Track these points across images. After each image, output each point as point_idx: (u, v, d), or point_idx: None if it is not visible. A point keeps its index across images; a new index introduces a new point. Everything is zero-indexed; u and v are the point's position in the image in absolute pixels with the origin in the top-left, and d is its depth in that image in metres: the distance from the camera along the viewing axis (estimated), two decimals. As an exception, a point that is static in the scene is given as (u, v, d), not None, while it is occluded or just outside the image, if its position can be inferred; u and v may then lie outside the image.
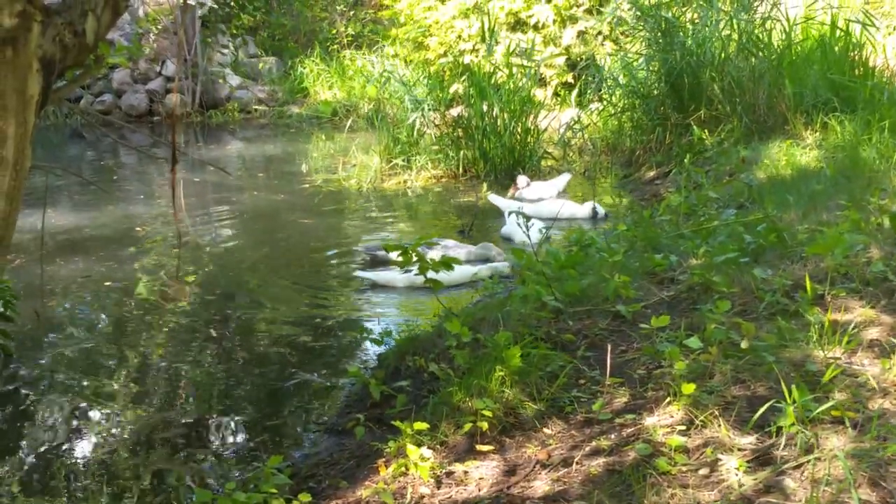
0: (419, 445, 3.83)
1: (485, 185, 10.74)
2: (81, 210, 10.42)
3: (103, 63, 3.24)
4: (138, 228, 9.58)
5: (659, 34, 10.87)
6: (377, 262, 7.86)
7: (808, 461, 3.15)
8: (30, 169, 2.83)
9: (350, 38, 20.35)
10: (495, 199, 9.73)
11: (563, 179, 10.57)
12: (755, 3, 10.65)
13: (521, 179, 10.38)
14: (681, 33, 10.67)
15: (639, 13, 11.46)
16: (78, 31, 2.83)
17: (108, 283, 7.71)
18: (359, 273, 7.63)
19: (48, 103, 2.84)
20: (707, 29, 10.53)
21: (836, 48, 9.73)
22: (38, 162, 3.04)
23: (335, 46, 20.00)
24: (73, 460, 4.90)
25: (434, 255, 5.98)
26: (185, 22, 16.20)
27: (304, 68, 18.88)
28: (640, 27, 11.58)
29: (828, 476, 3.04)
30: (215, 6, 6.56)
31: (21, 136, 2.71)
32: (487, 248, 7.89)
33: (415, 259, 5.03)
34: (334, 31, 20.58)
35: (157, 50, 18.15)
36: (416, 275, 5.19)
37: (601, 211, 9.18)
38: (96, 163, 14.50)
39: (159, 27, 18.11)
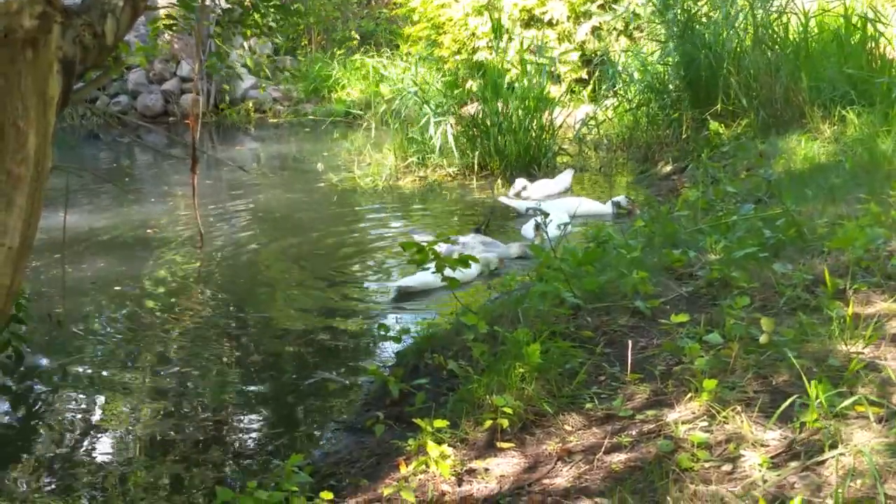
0: (439, 443, 3.82)
1: (499, 182, 10.71)
2: (96, 211, 10.45)
3: (122, 64, 3.24)
4: (150, 230, 9.59)
5: (676, 27, 10.82)
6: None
7: (833, 456, 3.13)
8: (50, 169, 2.84)
9: (363, 37, 20.36)
10: (507, 200, 9.67)
11: (567, 176, 10.49)
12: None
13: (518, 182, 10.14)
14: (697, 26, 10.62)
15: (656, 5, 11.41)
16: (97, 32, 2.84)
17: (123, 283, 7.71)
18: (395, 283, 7.17)
19: (68, 104, 2.85)
20: (724, 22, 10.48)
21: (853, 41, 9.67)
22: (56, 163, 3.05)
23: (349, 45, 20.02)
24: (90, 461, 4.91)
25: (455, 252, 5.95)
26: (202, 22, 16.27)
27: (319, 67, 18.90)
28: (658, 20, 11.53)
29: (853, 471, 3.02)
30: (228, 6, 6.58)
31: (42, 136, 2.72)
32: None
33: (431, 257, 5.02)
34: (348, 31, 20.61)
35: (173, 50, 18.21)
36: (433, 273, 5.17)
37: (625, 201, 9.02)
38: (112, 164, 14.56)
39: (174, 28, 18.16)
